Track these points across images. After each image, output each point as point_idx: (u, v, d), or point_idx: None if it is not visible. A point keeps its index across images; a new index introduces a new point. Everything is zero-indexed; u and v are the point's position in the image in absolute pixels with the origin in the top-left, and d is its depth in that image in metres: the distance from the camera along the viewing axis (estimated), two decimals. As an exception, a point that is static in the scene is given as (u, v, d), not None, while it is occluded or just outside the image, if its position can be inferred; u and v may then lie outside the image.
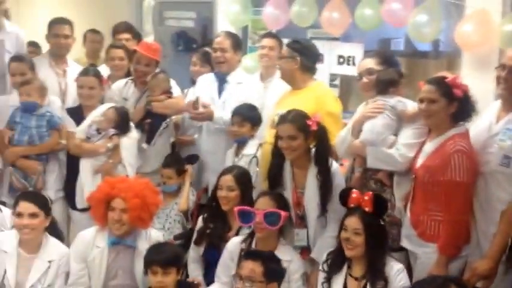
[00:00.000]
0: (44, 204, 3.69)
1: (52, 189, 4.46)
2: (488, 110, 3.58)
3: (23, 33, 5.17)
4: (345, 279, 3.38)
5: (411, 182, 3.63)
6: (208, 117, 4.54)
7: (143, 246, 3.68)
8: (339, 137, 3.95)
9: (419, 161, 3.56)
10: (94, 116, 4.53)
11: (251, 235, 3.70)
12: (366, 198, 3.37)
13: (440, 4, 4.61)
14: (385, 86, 3.83)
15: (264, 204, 3.63)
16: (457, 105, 3.44)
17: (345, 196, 3.46)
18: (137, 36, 5.60)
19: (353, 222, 3.33)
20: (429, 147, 3.54)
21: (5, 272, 3.61)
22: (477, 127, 3.53)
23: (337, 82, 5.50)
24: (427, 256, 3.47)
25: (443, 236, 3.41)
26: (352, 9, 5.05)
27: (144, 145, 4.65)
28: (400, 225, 3.69)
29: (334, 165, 3.78)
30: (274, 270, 3.37)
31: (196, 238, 4.02)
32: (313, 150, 3.75)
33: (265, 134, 4.32)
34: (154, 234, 3.84)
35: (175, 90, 4.82)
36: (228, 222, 3.96)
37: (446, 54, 5.26)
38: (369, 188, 3.65)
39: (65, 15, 5.34)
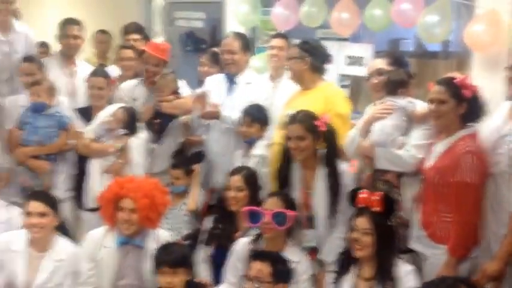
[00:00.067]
0: (53, 204, 3.71)
1: (61, 189, 4.48)
2: (498, 111, 3.55)
3: (32, 33, 5.19)
4: (354, 280, 3.37)
5: (420, 183, 3.62)
6: (216, 115, 4.54)
7: (152, 246, 3.69)
8: (348, 137, 3.94)
9: (429, 162, 3.54)
10: (103, 116, 4.55)
11: (259, 236, 3.70)
12: (375, 198, 3.36)
13: (450, 4, 4.59)
14: (394, 86, 3.82)
15: (272, 205, 3.62)
16: (467, 106, 3.43)
17: (353, 196, 3.46)
18: (146, 37, 5.62)
19: (362, 222, 3.32)
20: (439, 148, 3.53)
21: (15, 271, 3.63)
22: (487, 128, 3.50)
23: (346, 83, 5.49)
24: (437, 257, 3.46)
25: (453, 237, 3.40)
26: (362, 10, 5.04)
27: (153, 145, 4.66)
28: (408, 227, 3.67)
29: (343, 166, 3.77)
30: (282, 271, 3.37)
31: (204, 239, 4.02)
32: (322, 151, 3.74)
33: (274, 134, 4.32)
34: (162, 234, 3.84)
35: (184, 90, 4.82)
36: (236, 222, 3.97)
37: (456, 55, 5.24)
38: (377, 189, 3.63)
39: (75, 15, 5.37)
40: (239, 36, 4.77)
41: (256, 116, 4.39)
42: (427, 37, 4.83)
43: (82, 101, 4.89)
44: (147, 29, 5.88)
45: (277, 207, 3.60)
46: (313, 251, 3.75)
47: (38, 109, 4.48)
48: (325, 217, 3.71)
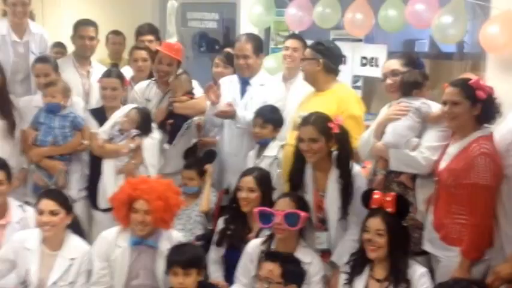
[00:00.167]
0: (64, 202, 3.72)
1: (75, 189, 4.49)
2: (512, 112, 3.53)
3: (47, 33, 5.24)
4: (367, 281, 3.37)
5: (434, 185, 3.60)
6: (231, 114, 4.53)
7: (164, 246, 3.69)
8: (362, 139, 3.93)
9: (443, 164, 3.52)
10: (117, 116, 4.57)
11: (271, 237, 3.69)
12: (388, 199, 3.36)
13: (465, 5, 4.56)
14: (409, 87, 3.79)
15: (284, 205, 3.62)
16: (481, 107, 3.40)
17: (367, 197, 3.45)
18: (160, 38, 5.63)
19: (375, 223, 3.31)
20: (453, 149, 3.50)
21: (29, 269, 3.65)
22: (502, 129, 3.47)
23: (360, 84, 5.47)
24: (450, 260, 3.43)
25: (466, 240, 3.37)
26: (376, 10, 5.02)
27: (166, 146, 4.67)
28: (422, 229, 3.65)
29: (356, 168, 3.76)
30: (292, 272, 3.36)
31: (216, 239, 4.03)
32: (335, 153, 3.73)
33: (287, 135, 4.31)
34: (175, 235, 3.84)
35: (198, 91, 4.83)
36: (248, 223, 3.97)
37: (471, 56, 5.21)
38: (391, 191, 3.62)
39: (89, 16, 5.40)
40: (251, 38, 4.73)
41: (269, 117, 4.38)
42: (441, 38, 4.79)
43: (96, 102, 4.91)
44: (161, 30, 5.89)
45: (289, 208, 3.59)
46: (325, 253, 3.74)
47: (52, 110, 4.50)
48: (338, 219, 3.70)
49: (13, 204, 4.07)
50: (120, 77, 4.68)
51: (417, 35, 5.99)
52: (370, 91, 5.51)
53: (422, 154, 3.65)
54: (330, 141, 3.69)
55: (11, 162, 4.26)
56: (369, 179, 3.87)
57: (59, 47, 6.10)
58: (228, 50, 5.32)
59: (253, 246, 3.73)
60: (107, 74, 4.70)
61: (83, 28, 5.11)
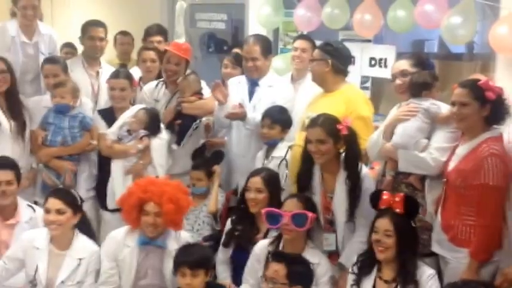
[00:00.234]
0: (71, 202, 3.72)
1: (83, 189, 4.51)
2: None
3: (56, 34, 5.26)
4: (375, 282, 3.36)
5: (443, 186, 3.58)
6: (241, 116, 4.53)
7: (173, 246, 3.70)
8: (371, 139, 3.92)
9: (452, 165, 3.51)
10: (125, 117, 4.58)
11: (279, 237, 3.69)
12: (397, 199, 3.35)
13: (474, 6, 4.54)
14: (418, 88, 3.78)
15: (291, 206, 3.62)
16: (490, 108, 3.39)
17: (375, 198, 3.44)
18: (168, 39, 5.64)
19: (384, 223, 3.31)
20: (462, 150, 3.49)
21: (37, 268, 3.66)
22: (511, 130, 3.46)
23: (368, 84, 5.46)
24: (458, 261, 3.42)
25: (475, 241, 3.36)
26: (385, 11, 5.00)
27: (174, 146, 4.68)
28: (430, 230, 3.64)
29: (364, 170, 3.75)
30: (298, 273, 3.35)
31: (224, 240, 4.03)
32: (343, 154, 3.72)
33: (295, 136, 4.31)
34: (183, 235, 3.84)
35: (206, 91, 4.83)
36: (256, 224, 3.97)
37: (481, 57, 5.18)
38: (399, 192, 3.60)
39: (98, 17, 5.42)
40: (260, 40, 4.71)
41: (278, 118, 4.38)
42: (450, 39, 4.77)
43: (105, 102, 4.92)
44: (169, 31, 5.90)
45: (297, 209, 3.59)
46: (333, 255, 3.73)
47: (61, 110, 4.52)
48: (345, 221, 3.69)
49: (22, 204, 4.09)
50: (129, 77, 4.68)
51: (426, 36, 5.95)
52: (379, 92, 5.49)
53: (431, 155, 3.64)
54: (338, 142, 3.68)
55: (20, 163, 4.29)
56: (378, 180, 3.86)
57: (69, 47, 6.13)
58: (237, 50, 5.31)
59: (261, 247, 3.73)
60: (116, 75, 4.71)
61: (92, 29, 5.13)
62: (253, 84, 4.69)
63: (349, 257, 3.59)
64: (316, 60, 4.26)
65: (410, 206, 3.37)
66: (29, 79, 5.03)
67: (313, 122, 3.74)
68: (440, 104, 3.74)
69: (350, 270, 3.48)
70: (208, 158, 4.68)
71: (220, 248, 4.05)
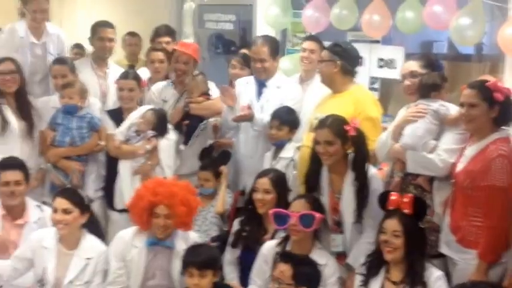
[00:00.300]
0: (78, 202, 3.72)
1: (91, 189, 4.52)
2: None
3: (63, 34, 5.27)
4: (382, 283, 3.36)
5: (451, 187, 3.57)
6: (249, 117, 4.53)
7: (181, 247, 3.70)
8: (380, 140, 3.91)
9: (460, 166, 3.50)
10: (133, 118, 4.58)
11: (286, 238, 3.69)
12: (406, 200, 3.35)
13: (483, 7, 4.53)
14: (427, 89, 3.77)
15: (299, 207, 3.62)
16: (499, 110, 3.38)
17: (383, 199, 3.44)
18: (177, 40, 5.65)
19: (392, 224, 3.30)
20: (470, 151, 3.48)
21: (46, 267, 3.67)
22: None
23: (377, 85, 5.45)
24: (466, 262, 3.41)
25: (483, 242, 3.35)
26: (393, 12, 5.00)
27: (182, 146, 4.68)
28: (439, 232, 3.63)
29: (372, 171, 3.74)
30: (304, 274, 3.35)
31: (232, 241, 4.03)
32: (351, 155, 3.72)
33: (303, 137, 4.30)
34: (191, 236, 3.85)
35: (214, 92, 4.83)
36: (264, 225, 3.96)
37: (490, 58, 5.16)
38: (408, 193, 3.60)
39: (106, 18, 5.43)
40: (267, 41, 4.70)
41: (286, 119, 4.37)
42: (459, 40, 4.76)
43: (113, 103, 4.94)
44: (178, 31, 5.91)
45: (304, 210, 3.59)
46: (341, 256, 3.73)
47: (69, 111, 4.54)
48: (353, 222, 3.68)
49: (31, 204, 4.11)
50: (137, 78, 4.70)
51: (435, 37, 5.94)
52: (387, 93, 5.48)
53: (439, 156, 3.63)
54: (346, 143, 3.67)
55: (29, 163, 4.31)
56: (386, 181, 3.85)
57: (78, 48, 6.15)
58: (244, 51, 5.31)
59: (269, 247, 3.73)
60: (124, 76, 4.72)
61: (102, 30, 5.15)
62: (261, 85, 4.69)
63: (357, 257, 3.58)
64: (324, 61, 4.25)
65: (418, 207, 3.37)
66: (37, 79, 5.05)
67: (322, 123, 3.73)
68: (449, 105, 3.73)
69: (358, 271, 3.48)
70: (215, 159, 4.68)
71: (228, 248, 4.05)
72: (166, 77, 5.06)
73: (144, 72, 5.20)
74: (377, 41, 5.45)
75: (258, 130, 4.54)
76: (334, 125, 3.67)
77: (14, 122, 4.50)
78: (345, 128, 3.65)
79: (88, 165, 4.62)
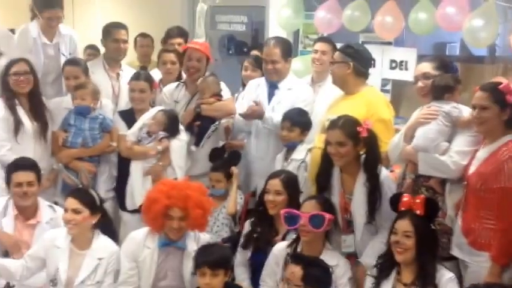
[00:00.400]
0: (88, 202, 3.72)
1: (102, 190, 4.53)
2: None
3: (76, 35, 5.29)
4: (394, 285, 3.34)
5: (463, 190, 3.56)
6: (259, 115, 4.53)
7: (192, 248, 3.71)
8: (392, 142, 3.90)
9: (472, 168, 3.49)
10: (145, 119, 4.59)
11: (297, 239, 3.69)
12: (417, 201, 3.34)
13: (496, 8, 4.50)
14: (440, 91, 3.76)
15: (309, 207, 3.62)
16: (510, 112, 3.36)
17: (395, 201, 3.43)
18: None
19: (403, 225, 3.29)
20: (482, 153, 3.47)
21: (58, 267, 3.68)
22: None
23: (388, 87, 5.44)
24: (478, 265, 3.40)
25: (495, 245, 3.33)
26: (406, 13, 4.98)
27: (193, 147, 4.68)
28: (450, 234, 3.61)
29: (384, 172, 3.73)
30: (314, 276, 3.33)
31: (243, 242, 4.03)
32: (363, 156, 3.71)
33: (315, 138, 4.29)
34: (203, 237, 3.85)
35: (226, 93, 4.83)
36: (275, 226, 3.96)
37: (503, 60, 5.14)
38: (420, 195, 3.59)
39: (118, 19, 5.45)
40: (279, 42, 4.68)
41: (297, 120, 4.37)
42: (472, 41, 4.74)
43: (125, 104, 4.95)
44: (190, 33, 5.91)
45: (315, 210, 3.59)
46: (352, 257, 3.72)
47: (82, 112, 4.55)
48: (364, 223, 3.67)
49: (43, 204, 4.12)
50: (149, 79, 4.70)
51: (447, 38, 5.92)
52: (399, 95, 5.46)
53: (451, 158, 3.61)
54: (357, 145, 3.66)
55: (42, 163, 4.33)
56: (398, 183, 3.84)
57: (92, 49, 6.17)
58: (256, 52, 5.31)
59: (280, 248, 3.72)
60: (135, 77, 4.72)
61: (116, 31, 5.15)
62: (272, 87, 4.68)
63: (371, 255, 3.57)
64: (337, 63, 4.24)
65: (430, 208, 3.35)
66: (50, 80, 5.07)
67: (333, 124, 3.73)
68: (462, 107, 3.71)
69: (369, 273, 3.47)
70: (226, 159, 4.68)
71: (239, 250, 4.05)
72: (178, 78, 5.06)
73: (156, 74, 5.21)
74: (389, 43, 5.44)
75: (268, 128, 4.53)
76: (346, 126, 3.66)
77: (28, 122, 4.51)
78: (357, 130, 3.64)
79: (100, 166, 4.64)
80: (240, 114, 4.62)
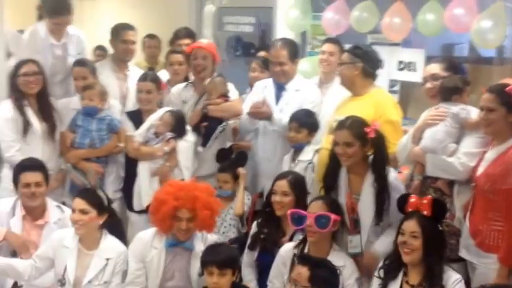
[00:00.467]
0: (96, 202, 3.73)
1: (109, 190, 4.53)
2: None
3: (83, 35, 5.30)
4: (401, 286, 3.33)
5: (472, 191, 3.55)
6: (267, 116, 4.53)
7: (199, 248, 3.71)
8: (400, 144, 3.90)
9: (480, 169, 3.48)
10: (152, 119, 4.60)
11: (304, 240, 3.68)
12: (425, 202, 3.33)
13: (504, 9, 4.49)
14: (448, 93, 3.76)
15: (316, 208, 3.62)
16: (518, 114, 3.35)
17: (403, 202, 3.42)
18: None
19: (410, 225, 3.29)
20: (490, 155, 3.46)
21: (66, 266, 3.70)
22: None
23: (396, 88, 5.42)
24: (486, 267, 3.39)
25: (503, 247, 3.31)
26: (414, 14, 4.97)
27: (200, 148, 4.69)
28: (459, 236, 3.60)
29: (392, 174, 3.72)
30: (321, 277, 3.32)
31: (250, 243, 4.03)
32: (371, 157, 3.70)
33: (323, 139, 4.29)
34: (210, 237, 3.85)
35: (233, 94, 4.83)
36: (282, 227, 3.96)
37: (511, 61, 5.12)
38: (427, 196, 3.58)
39: (126, 20, 5.46)
40: (286, 44, 4.68)
41: (305, 121, 4.36)
42: (481, 43, 4.72)
43: (133, 105, 4.96)
44: (198, 34, 5.92)
45: (321, 211, 3.58)
46: (358, 257, 3.70)
47: (90, 113, 4.57)
48: (371, 224, 3.67)
49: (51, 204, 4.13)
50: (156, 80, 4.71)
51: (456, 39, 5.90)
52: (407, 96, 5.45)
53: (459, 160, 3.61)
54: (365, 145, 3.65)
55: (50, 164, 4.35)
56: (406, 184, 3.83)
57: (101, 50, 6.19)
58: (263, 53, 5.31)
59: (287, 249, 3.72)
60: (142, 78, 4.74)
61: (125, 32, 5.15)
62: (280, 88, 4.68)
63: (381, 245, 3.58)
64: (345, 64, 4.24)
65: (437, 209, 3.34)
66: (58, 80, 5.08)
67: (341, 125, 3.72)
68: (470, 108, 3.70)
69: (376, 274, 3.46)
70: (232, 160, 4.68)
71: (246, 250, 4.04)
72: (185, 79, 5.07)
73: (163, 75, 5.22)
74: (397, 44, 5.43)
75: (276, 130, 4.53)
76: (354, 127, 3.66)
77: (36, 123, 4.53)
78: (365, 130, 3.63)
79: (107, 167, 4.65)
80: (247, 113, 4.61)
